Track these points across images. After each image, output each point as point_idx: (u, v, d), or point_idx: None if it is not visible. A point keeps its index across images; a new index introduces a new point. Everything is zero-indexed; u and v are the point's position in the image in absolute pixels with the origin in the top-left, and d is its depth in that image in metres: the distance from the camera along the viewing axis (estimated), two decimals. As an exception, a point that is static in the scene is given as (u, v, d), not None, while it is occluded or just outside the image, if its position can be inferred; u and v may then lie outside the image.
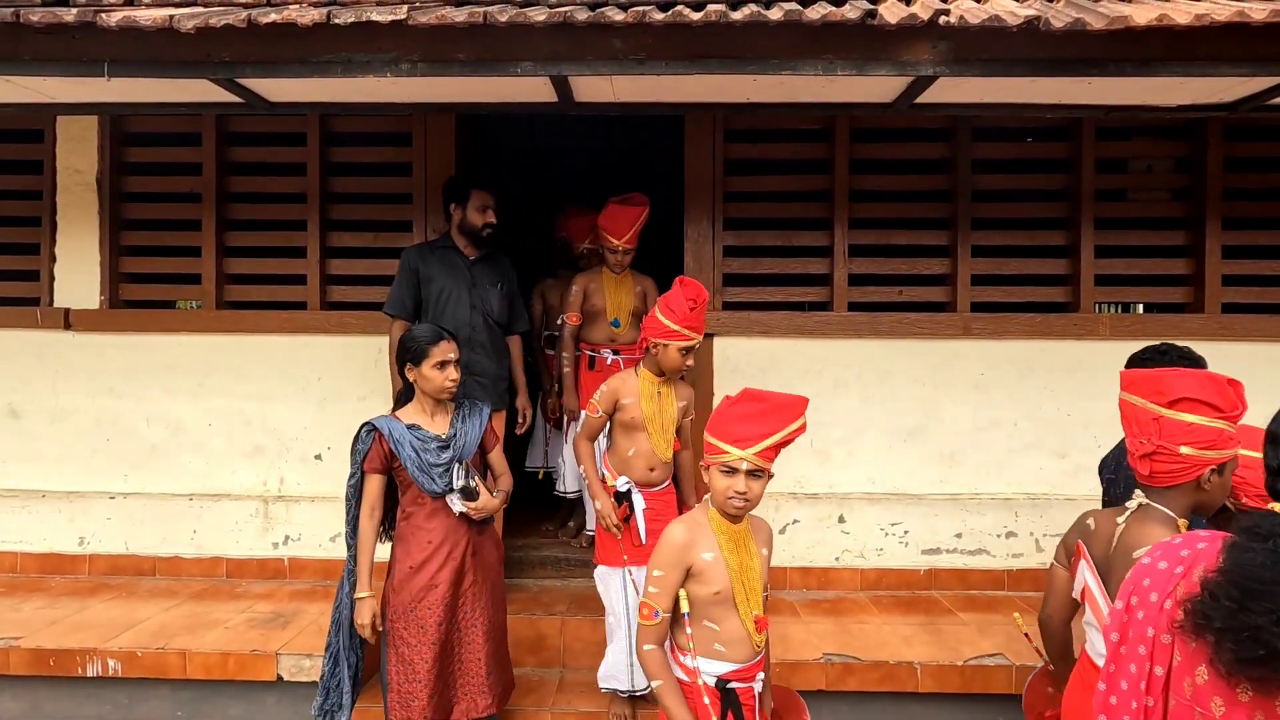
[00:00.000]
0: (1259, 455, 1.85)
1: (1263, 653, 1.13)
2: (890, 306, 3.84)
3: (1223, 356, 3.63)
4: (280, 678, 2.97)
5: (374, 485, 2.51)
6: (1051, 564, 1.97)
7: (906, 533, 3.76)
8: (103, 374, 3.90)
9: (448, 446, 2.53)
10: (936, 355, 3.78)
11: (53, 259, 3.92)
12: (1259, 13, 2.40)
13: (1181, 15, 2.41)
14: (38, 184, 3.92)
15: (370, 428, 2.53)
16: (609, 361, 3.68)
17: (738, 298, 3.87)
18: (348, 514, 2.55)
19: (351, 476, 2.54)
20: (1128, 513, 1.68)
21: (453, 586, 2.51)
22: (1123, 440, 2.57)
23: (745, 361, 3.81)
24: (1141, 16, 2.41)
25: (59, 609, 3.39)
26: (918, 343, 3.78)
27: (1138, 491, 1.69)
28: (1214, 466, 1.61)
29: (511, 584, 3.53)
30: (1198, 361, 2.33)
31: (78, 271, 3.90)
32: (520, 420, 3.64)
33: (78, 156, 3.89)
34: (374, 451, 2.51)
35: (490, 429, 2.68)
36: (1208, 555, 1.26)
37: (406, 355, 2.54)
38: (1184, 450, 1.59)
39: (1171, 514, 1.65)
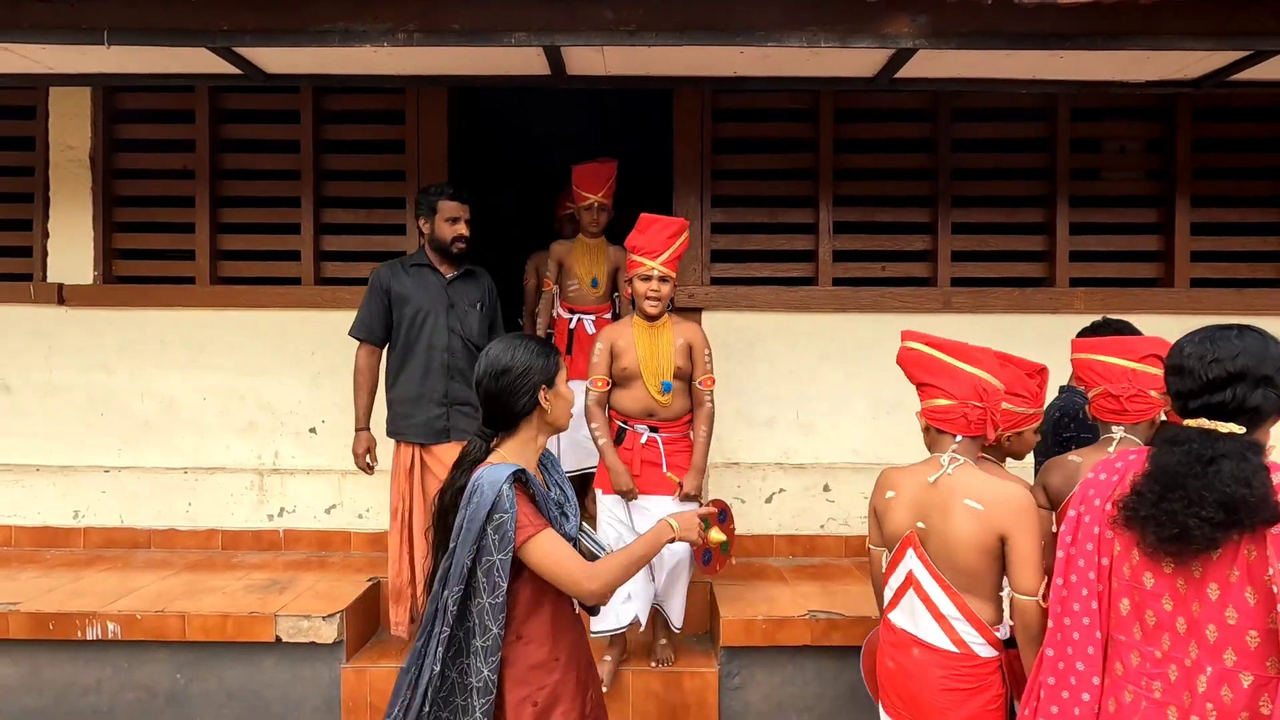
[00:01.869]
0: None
1: (1176, 531, 1.40)
2: (873, 282, 3.94)
3: (1190, 329, 3.79)
4: (279, 639, 3.02)
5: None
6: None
7: (889, 501, 3.86)
8: (96, 349, 3.92)
9: (565, 507, 1.86)
10: (919, 329, 3.86)
11: (45, 235, 3.94)
12: (1222, -13, 2.52)
13: (1149, -11, 2.52)
14: (30, 160, 3.94)
15: (512, 478, 1.69)
16: (644, 440, 2.94)
17: (725, 274, 3.95)
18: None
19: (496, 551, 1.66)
20: (1115, 442, 2.03)
21: None
22: (1058, 401, 2.77)
23: (733, 336, 3.90)
24: (1111, -10, 2.52)
25: (55, 578, 3.42)
26: (900, 317, 3.88)
27: (1115, 428, 2.06)
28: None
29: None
30: (1130, 330, 2.66)
31: (71, 247, 3.93)
32: None
33: (70, 133, 3.91)
34: (528, 510, 1.71)
35: None
36: (1137, 464, 1.55)
37: (535, 376, 1.77)
38: (1153, 394, 2.04)
39: (1140, 442, 2.02)
